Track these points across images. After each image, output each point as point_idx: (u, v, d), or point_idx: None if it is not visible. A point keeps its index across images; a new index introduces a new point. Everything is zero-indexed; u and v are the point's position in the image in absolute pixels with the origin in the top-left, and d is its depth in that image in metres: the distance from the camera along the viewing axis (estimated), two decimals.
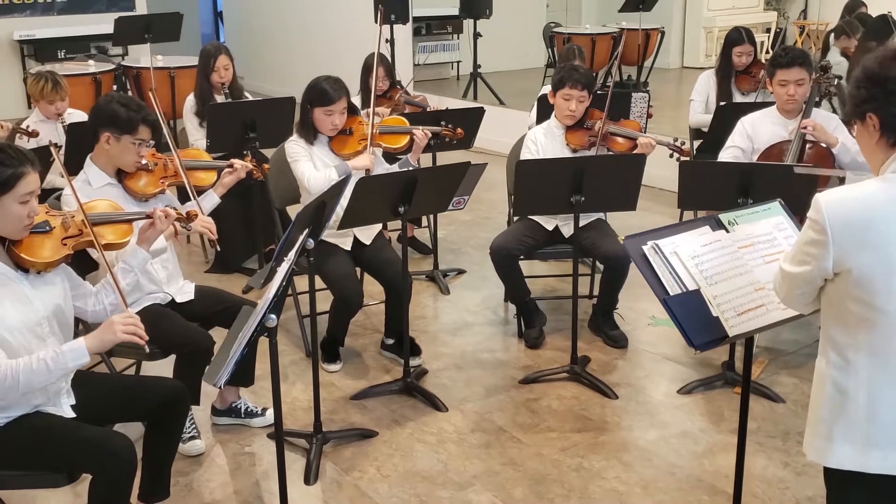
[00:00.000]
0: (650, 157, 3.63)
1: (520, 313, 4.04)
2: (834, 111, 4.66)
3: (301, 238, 2.62)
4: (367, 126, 3.75)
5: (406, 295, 3.51)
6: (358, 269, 3.82)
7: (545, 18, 9.51)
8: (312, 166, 3.65)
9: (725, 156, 3.84)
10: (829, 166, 3.60)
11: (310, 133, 3.67)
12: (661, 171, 5.34)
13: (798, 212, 2.23)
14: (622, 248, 3.66)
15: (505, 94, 8.13)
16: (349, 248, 3.70)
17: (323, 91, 3.60)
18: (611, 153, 3.86)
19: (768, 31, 8.93)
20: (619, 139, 3.85)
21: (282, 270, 2.31)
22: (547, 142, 3.90)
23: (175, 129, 5.71)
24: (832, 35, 5.97)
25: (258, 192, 4.46)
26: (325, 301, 3.74)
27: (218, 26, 12.62)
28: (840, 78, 4.27)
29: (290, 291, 3.89)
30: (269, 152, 4.26)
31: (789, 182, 3.16)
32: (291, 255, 2.37)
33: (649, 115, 4.62)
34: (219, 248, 2.96)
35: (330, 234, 3.62)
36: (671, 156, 3.82)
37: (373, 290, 4.24)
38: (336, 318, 3.66)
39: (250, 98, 4.93)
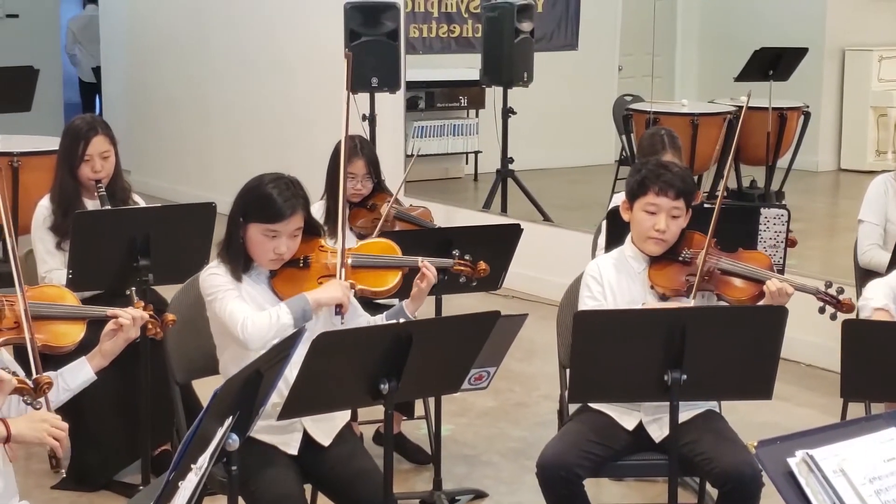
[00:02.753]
0: (793, 312, 3.65)
1: None
2: None
3: (220, 434, 2.61)
4: (332, 254, 3.79)
5: None
6: (308, 488, 3.78)
7: (616, 89, 9.79)
8: (242, 302, 3.65)
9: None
10: None
11: (239, 261, 3.70)
12: (812, 337, 5.35)
13: None
14: (751, 462, 3.62)
15: (553, 206, 8.26)
16: (296, 453, 3.69)
17: (266, 198, 3.64)
18: (723, 302, 3.89)
19: None
20: (736, 281, 3.90)
21: (186, 488, 2.29)
22: (619, 281, 3.95)
23: (15, 254, 5.77)
24: None
25: (147, 358, 4.47)
26: None
27: (93, 91, 13.00)
28: None
29: None
30: (167, 291, 4.29)
31: None
32: (203, 461, 2.35)
33: (790, 243, 4.67)
34: (63, 471, 2.95)
35: (266, 429, 3.61)
36: (821, 310, 3.85)
37: None
38: None
39: (142, 204, 5.02)
